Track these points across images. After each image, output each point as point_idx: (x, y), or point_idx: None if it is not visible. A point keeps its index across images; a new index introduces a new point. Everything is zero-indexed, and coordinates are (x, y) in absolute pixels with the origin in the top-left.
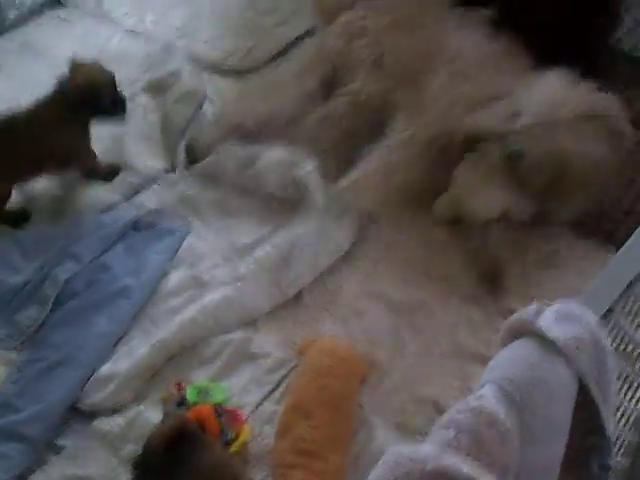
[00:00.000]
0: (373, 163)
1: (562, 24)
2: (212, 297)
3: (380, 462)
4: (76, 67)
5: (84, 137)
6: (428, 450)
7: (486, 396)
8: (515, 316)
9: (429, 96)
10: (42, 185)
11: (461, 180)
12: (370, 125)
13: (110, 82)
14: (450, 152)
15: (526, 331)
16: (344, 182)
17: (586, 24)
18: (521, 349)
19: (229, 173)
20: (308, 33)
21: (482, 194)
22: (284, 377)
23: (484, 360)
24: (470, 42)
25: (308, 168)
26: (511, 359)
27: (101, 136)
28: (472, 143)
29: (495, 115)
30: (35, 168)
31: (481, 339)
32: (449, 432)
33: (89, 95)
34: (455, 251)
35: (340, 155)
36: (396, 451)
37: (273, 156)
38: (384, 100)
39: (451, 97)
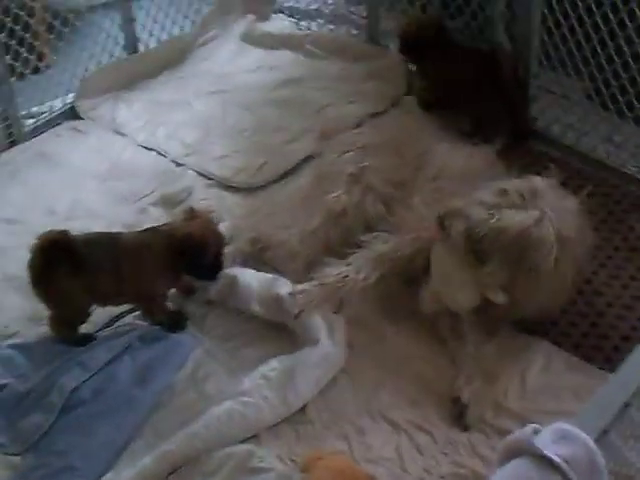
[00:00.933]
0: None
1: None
2: (216, 410)
3: None
4: (192, 216)
5: (169, 284)
6: None
7: None
8: (512, 436)
9: (410, 214)
10: None
11: (435, 273)
12: (345, 236)
13: (218, 245)
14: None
15: (523, 450)
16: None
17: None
18: (519, 468)
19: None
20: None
21: (456, 284)
22: None
23: None
24: (452, 158)
25: (286, 287)
26: (509, 478)
27: None
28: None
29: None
30: (119, 294)
31: (480, 458)
32: None
33: (194, 252)
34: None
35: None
36: None
37: (251, 277)
38: (361, 213)
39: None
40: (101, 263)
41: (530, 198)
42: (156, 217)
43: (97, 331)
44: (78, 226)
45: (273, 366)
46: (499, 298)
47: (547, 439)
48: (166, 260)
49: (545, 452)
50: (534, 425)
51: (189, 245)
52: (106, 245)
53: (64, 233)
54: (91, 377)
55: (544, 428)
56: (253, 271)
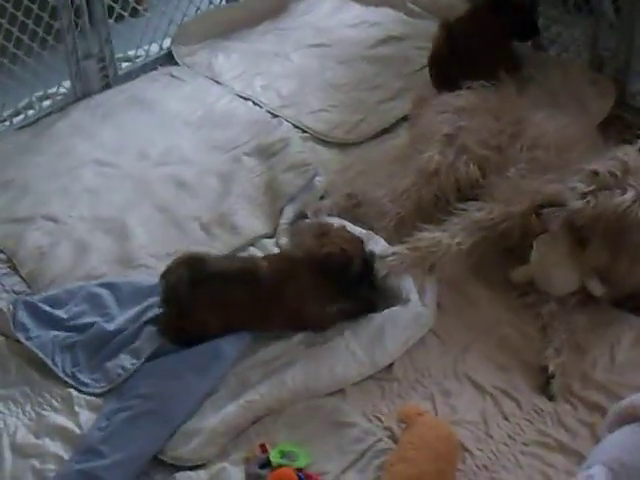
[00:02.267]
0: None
1: None
2: (303, 363)
3: None
4: (322, 232)
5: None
6: None
7: (597, 476)
8: (627, 401)
9: (504, 184)
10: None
11: (535, 261)
12: (437, 198)
13: (360, 251)
14: (512, 235)
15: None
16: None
17: None
18: (634, 435)
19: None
20: None
21: (556, 273)
22: (368, 448)
23: (566, 451)
24: (548, 128)
25: (380, 245)
26: (622, 443)
27: (206, 193)
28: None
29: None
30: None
31: (565, 429)
32: None
33: (340, 271)
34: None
35: (404, 229)
36: None
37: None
38: (453, 174)
39: (526, 187)
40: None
41: (622, 176)
42: (250, 167)
43: None
44: (170, 171)
45: (362, 323)
46: (597, 290)
47: None
48: (316, 287)
49: None
50: None
51: (333, 266)
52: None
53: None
54: None
55: None
56: (350, 224)
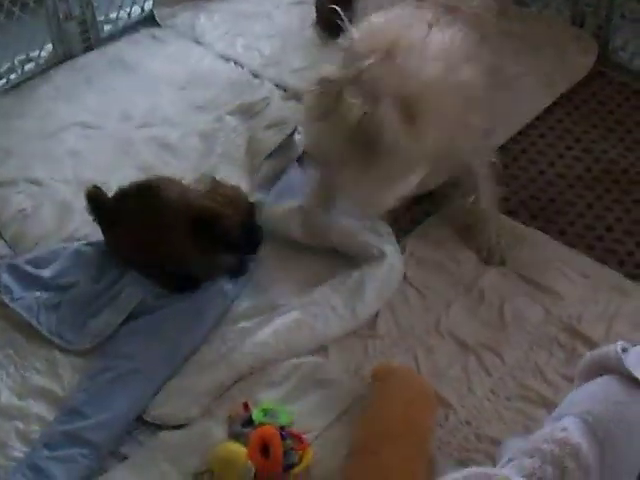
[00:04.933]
0: None
1: None
2: (284, 320)
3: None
4: (215, 186)
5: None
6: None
7: (570, 429)
8: (599, 351)
9: None
10: None
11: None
12: None
13: (242, 217)
14: None
15: (610, 368)
16: None
17: None
18: (606, 386)
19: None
20: None
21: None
22: (351, 405)
23: (548, 404)
24: None
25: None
26: (594, 395)
27: (189, 154)
28: None
29: None
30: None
31: (549, 384)
32: (534, 461)
33: (210, 227)
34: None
35: None
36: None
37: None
38: None
39: None
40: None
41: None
42: (233, 126)
43: None
44: (153, 132)
45: (343, 278)
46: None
47: (635, 359)
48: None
49: (637, 375)
50: (621, 343)
51: (204, 220)
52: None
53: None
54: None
55: (632, 348)
56: None
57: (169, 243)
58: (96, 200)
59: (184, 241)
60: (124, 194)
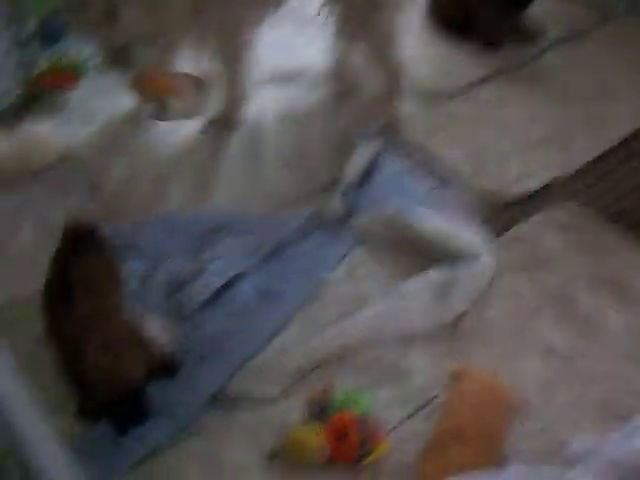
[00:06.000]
0: None
1: None
2: (372, 310)
3: None
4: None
5: None
6: None
7: None
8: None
9: None
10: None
11: None
12: None
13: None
14: None
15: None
16: None
17: None
18: None
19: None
20: None
21: None
22: (430, 400)
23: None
24: None
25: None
26: None
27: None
28: None
29: None
30: None
31: (633, 395)
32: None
33: None
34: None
35: None
36: None
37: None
38: None
39: None
40: None
41: None
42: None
43: None
44: None
45: (433, 275)
46: None
47: None
48: None
49: None
50: None
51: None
52: None
53: None
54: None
55: None
56: None
57: None
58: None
59: None
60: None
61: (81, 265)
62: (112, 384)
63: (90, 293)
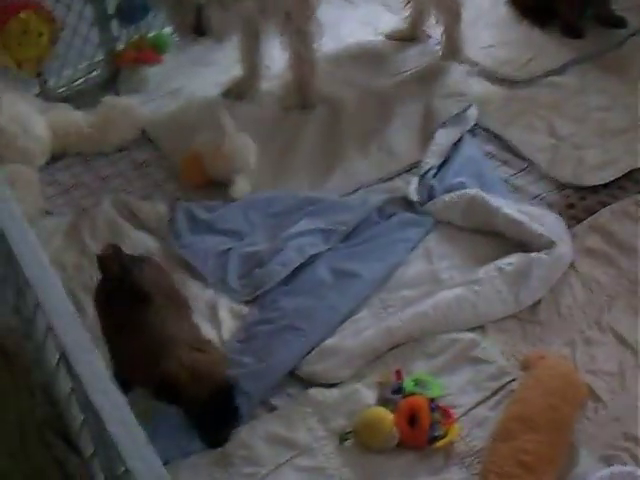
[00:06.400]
0: None
1: None
2: (447, 295)
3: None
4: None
5: None
6: None
7: None
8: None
9: None
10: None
11: None
12: None
13: (217, 391)
14: None
15: None
16: None
17: None
18: None
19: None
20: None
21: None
22: (503, 386)
23: None
24: None
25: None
26: None
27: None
28: None
29: None
30: None
31: None
32: None
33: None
34: None
35: None
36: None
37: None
38: None
39: None
40: None
41: None
42: (411, 92)
43: None
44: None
45: (510, 260)
46: None
47: None
48: None
49: None
50: None
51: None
52: None
53: None
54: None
55: None
56: None
57: None
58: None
59: None
60: None
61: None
62: (206, 383)
63: (160, 297)
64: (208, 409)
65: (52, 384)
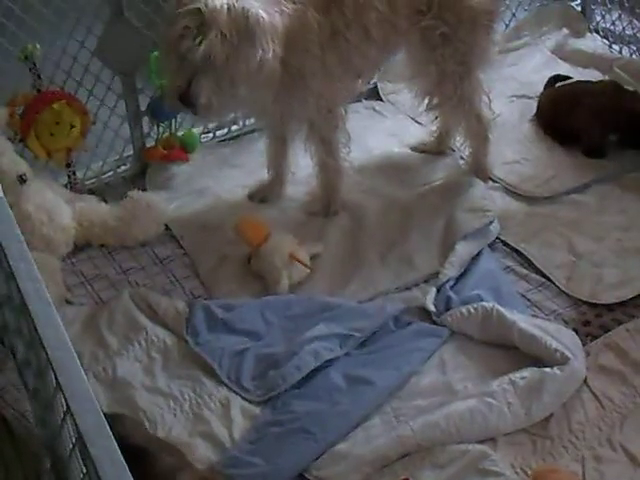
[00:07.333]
0: None
1: None
2: (459, 406)
3: None
4: None
5: None
6: None
7: None
8: None
9: None
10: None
11: None
12: None
13: None
14: None
15: None
16: None
17: None
18: None
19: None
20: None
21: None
22: None
23: None
24: None
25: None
26: None
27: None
28: None
29: None
30: None
31: None
32: None
33: None
34: None
35: None
36: None
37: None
38: None
39: None
40: None
41: None
42: (434, 204)
43: None
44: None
45: (523, 374)
46: None
47: None
48: None
49: None
50: None
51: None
52: None
53: None
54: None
55: None
56: None
57: None
58: None
59: None
60: None
61: None
62: None
63: None
64: None
65: (65, 468)
